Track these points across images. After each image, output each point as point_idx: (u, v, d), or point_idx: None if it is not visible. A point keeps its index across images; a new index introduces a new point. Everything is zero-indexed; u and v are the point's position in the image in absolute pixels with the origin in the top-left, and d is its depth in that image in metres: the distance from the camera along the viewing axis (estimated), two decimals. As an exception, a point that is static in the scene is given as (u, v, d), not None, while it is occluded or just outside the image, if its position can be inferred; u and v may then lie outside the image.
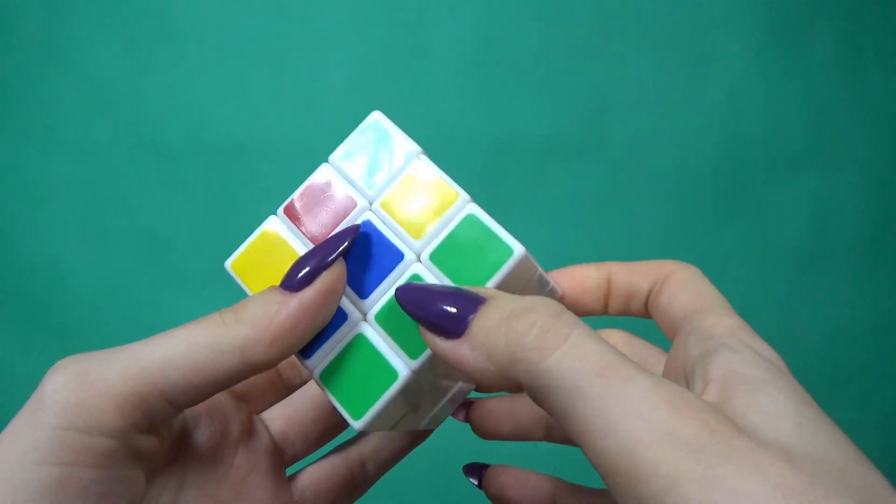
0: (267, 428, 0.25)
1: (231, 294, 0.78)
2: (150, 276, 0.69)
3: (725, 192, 0.73)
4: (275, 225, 0.24)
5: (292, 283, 0.20)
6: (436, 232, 0.22)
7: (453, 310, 0.18)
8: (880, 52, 0.75)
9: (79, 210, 0.69)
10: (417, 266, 0.21)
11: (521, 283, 0.22)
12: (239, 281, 0.23)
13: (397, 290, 0.20)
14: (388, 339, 0.21)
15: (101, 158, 0.69)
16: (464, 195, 0.23)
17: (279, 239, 0.24)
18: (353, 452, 0.26)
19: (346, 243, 0.21)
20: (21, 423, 0.18)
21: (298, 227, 0.24)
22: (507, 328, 0.17)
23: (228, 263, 0.24)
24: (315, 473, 0.25)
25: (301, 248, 0.23)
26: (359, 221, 0.23)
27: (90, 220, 0.69)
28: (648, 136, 0.72)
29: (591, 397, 0.15)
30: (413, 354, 0.21)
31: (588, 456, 0.15)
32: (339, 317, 0.21)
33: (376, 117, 0.26)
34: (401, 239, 0.22)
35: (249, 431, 0.24)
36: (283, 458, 0.25)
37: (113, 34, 0.69)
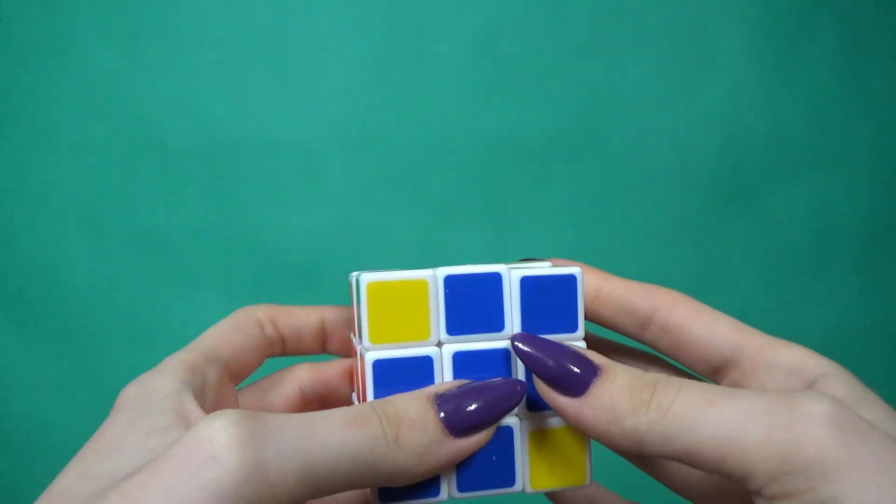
0: None
1: (231, 293, 0.78)
2: (150, 276, 0.69)
3: (725, 192, 0.73)
4: (430, 280, 0.22)
5: (455, 422, 0.20)
6: None
7: (577, 370, 0.20)
8: (880, 52, 0.75)
9: (79, 210, 0.69)
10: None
11: None
12: (363, 300, 0.22)
13: (514, 339, 0.21)
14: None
15: (101, 158, 0.69)
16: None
17: (423, 294, 0.22)
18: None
19: (516, 401, 0.21)
20: (195, 497, 0.16)
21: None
22: (633, 394, 0.19)
23: (365, 280, 0.22)
24: None
25: (436, 317, 0.22)
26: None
27: (90, 220, 0.69)
28: (648, 136, 0.72)
29: (710, 418, 0.18)
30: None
31: (724, 465, 0.18)
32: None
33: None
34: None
35: None
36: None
37: (113, 34, 0.69)
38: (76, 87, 0.69)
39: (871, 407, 0.20)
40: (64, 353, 0.69)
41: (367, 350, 0.22)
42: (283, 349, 0.26)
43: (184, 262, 0.69)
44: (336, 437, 0.18)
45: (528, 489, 0.22)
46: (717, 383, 0.24)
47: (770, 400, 0.18)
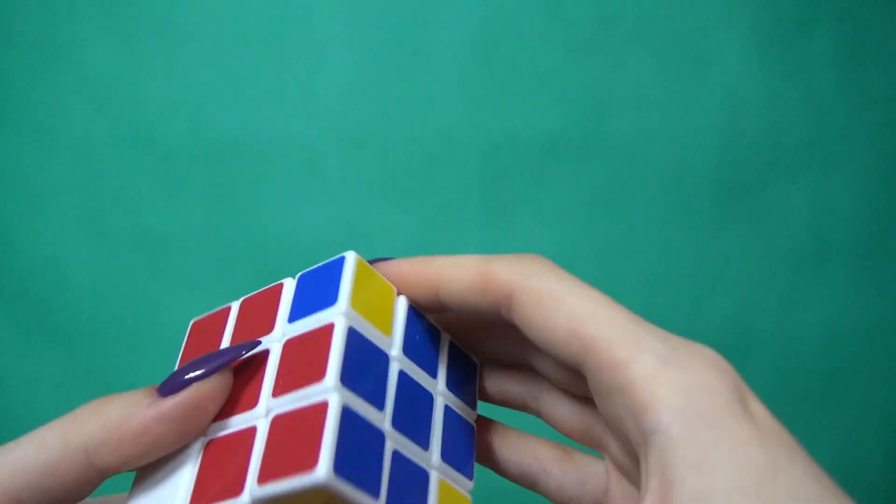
0: None
1: (231, 293, 0.78)
2: (150, 276, 0.69)
3: (725, 193, 0.73)
4: (235, 305, 0.24)
5: (164, 387, 0.19)
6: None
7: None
8: (880, 52, 0.75)
9: (79, 210, 0.69)
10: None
11: None
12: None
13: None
14: None
15: (101, 158, 0.69)
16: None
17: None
18: None
19: (231, 355, 0.20)
20: None
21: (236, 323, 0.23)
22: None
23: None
24: None
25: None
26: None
27: (90, 220, 0.69)
28: (648, 136, 0.72)
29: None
30: None
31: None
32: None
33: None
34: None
35: None
36: None
37: (113, 34, 0.69)
38: (76, 87, 0.69)
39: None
40: (64, 353, 0.69)
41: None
42: None
43: (184, 262, 0.69)
44: (29, 435, 0.18)
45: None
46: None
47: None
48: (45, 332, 0.69)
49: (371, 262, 0.23)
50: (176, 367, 0.21)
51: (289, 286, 0.23)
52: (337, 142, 0.70)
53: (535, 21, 0.71)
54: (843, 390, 0.72)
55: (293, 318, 0.21)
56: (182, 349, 0.24)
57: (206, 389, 0.19)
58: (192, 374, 0.19)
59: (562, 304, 0.19)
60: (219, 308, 0.24)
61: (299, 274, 0.23)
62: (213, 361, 0.19)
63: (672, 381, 0.16)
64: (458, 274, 0.21)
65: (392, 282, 0.23)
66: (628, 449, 0.20)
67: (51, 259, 0.69)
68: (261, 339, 0.21)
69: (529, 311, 0.20)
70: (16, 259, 0.69)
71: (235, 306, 0.24)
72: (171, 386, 0.19)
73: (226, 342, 0.23)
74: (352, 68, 0.70)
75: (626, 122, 0.72)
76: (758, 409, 0.17)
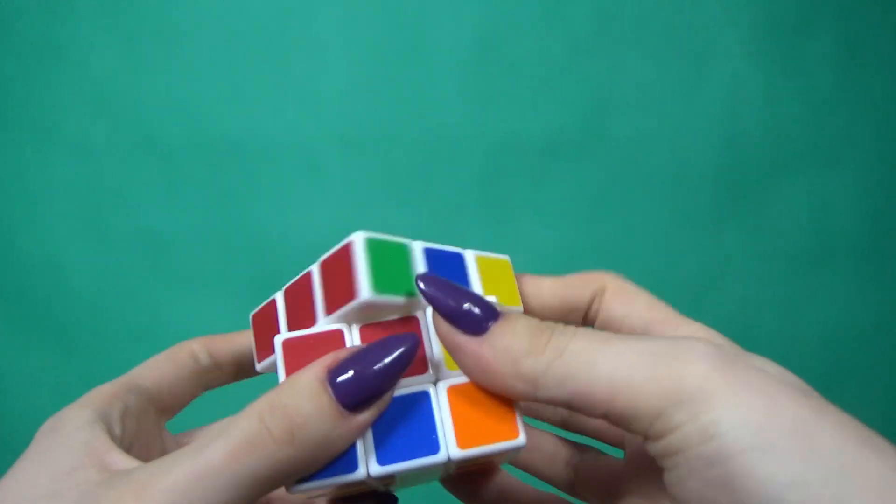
0: None
1: (231, 293, 0.78)
2: (150, 276, 0.69)
3: (725, 193, 0.73)
4: (280, 299, 0.24)
5: (349, 398, 0.19)
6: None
7: (478, 311, 0.20)
8: (880, 52, 0.75)
9: (79, 210, 0.69)
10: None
11: None
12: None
13: (419, 277, 0.20)
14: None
15: (101, 158, 0.69)
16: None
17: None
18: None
19: (407, 358, 0.20)
20: None
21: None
22: (531, 336, 0.19)
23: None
24: None
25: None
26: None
27: (90, 220, 0.69)
28: (648, 136, 0.72)
29: (601, 360, 0.19)
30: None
31: (613, 405, 0.18)
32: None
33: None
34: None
35: None
36: None
37: (113, 34, 0.69)
38: (76, 87, 0.69)
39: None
40: (64, 353, 0.69)
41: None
42: (222, 378, 0.26)
43: (184, 262, 0.69)
44: (226, 474, 0.17)
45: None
46: None
47: (658, 343, 0.19)
48: (45, 332, 0.69)
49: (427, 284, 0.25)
50: (328, 364, 0.20)
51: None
52: (337, 142, 0.70)
53: (535, 21, 0.71)
54: (843, 389, 0.72)
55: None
56: (254, 343, 0.24)
57: (390, 396, 0.20)
58: (380, 385, 0.19)
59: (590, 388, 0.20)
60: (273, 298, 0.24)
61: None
62: (392, 370, 0.19)
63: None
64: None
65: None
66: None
67: (51, 259, 0.69)
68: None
69: (560, 399, 0.20)
70: (16, 259, 0.69)
71: (315, 271, 0.23)
72: (362, 401, 0.19)
73: (319, 308, 0.22)
74: (352, 68, 0.70)
75: (626, 122, 0.72)
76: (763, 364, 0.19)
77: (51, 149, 0.69)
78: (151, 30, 0.69)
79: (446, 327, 0.20)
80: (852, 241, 0.74)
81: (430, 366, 0.21)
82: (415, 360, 0.21)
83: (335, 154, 0.70)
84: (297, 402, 0.18)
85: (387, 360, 0.19)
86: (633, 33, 0.72)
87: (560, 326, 0.20)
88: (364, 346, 0.20)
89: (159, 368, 0.24)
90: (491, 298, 0.21)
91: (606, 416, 0.19)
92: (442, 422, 0.21)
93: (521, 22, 0.71)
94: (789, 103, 0.74)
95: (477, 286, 0.24)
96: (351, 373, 0.19)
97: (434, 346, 0.22)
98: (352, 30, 0.70)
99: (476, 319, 0.20)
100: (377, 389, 0.19)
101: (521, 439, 0.21)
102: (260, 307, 0.25)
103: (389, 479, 0.21)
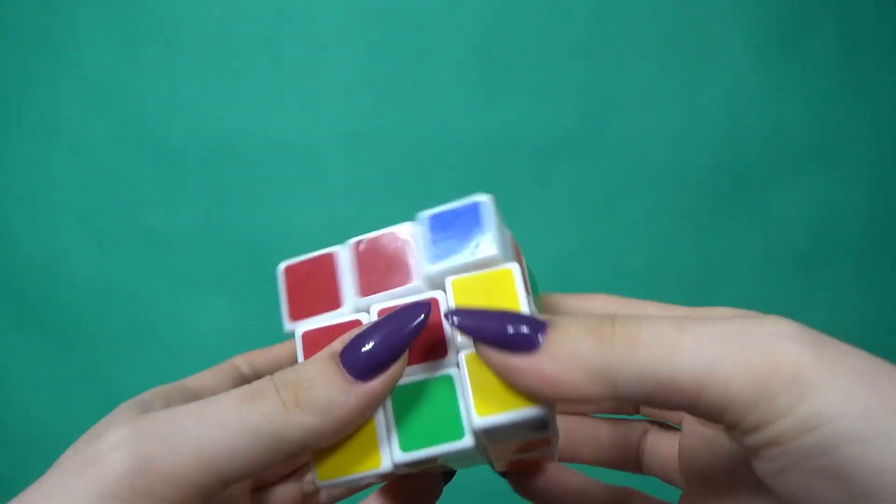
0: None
1: (231, 293, 0.78)
2: (150, 276, 0.69)
3: (725, 192, 0.73)
4: (339, 252, 0.23)
5: (356, 367, 0.19)
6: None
7: (524, 327, 0.18)
8: (880, 52, 0.75)
9: (79, 210, 0.69)
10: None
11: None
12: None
13: (450, 314, 0.19)
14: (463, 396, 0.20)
15: (101, 158, 0.69)
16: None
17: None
18: (308, 477, 0.26)
19: (417, 328, 0.19)
20: (81, 495, 0.17)
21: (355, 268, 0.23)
22: (592, 333, 0.18)
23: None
24: (274, 496, 0.26)
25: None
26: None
27: (90, 219, 0.69)
28: (648, 136, 0.72)
29: (685, 347, 0.17)
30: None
31: (702, 398, 0.17)
32: None
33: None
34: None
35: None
36: (252, 482, 0.26)
37: (113, 34, 0.69)
38: (76, 87, 0.69)
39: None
40: (64, 353, 0.69)
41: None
42: None
43: (184, 262, 0.69)
44: (230, 416, 0.18)
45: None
46: None
47: (740, 324, 0.17)
48: (45, 332, 0.69)
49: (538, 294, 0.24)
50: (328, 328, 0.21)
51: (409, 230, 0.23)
52: (337, 142, 0.70)
53: (535, 21, 0.71)
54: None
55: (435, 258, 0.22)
56: (286, 295, 0.24)
57: (404, 364, 0.19)
58: (389, 352, 0.19)
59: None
60: (317, 253, 0.24)
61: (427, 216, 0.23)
62: (402, 334, 0.19)
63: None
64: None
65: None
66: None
67: (51, 259, 0.69)
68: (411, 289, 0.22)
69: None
70: (16, 259, 0.69)
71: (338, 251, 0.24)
72: (369, 368, 0.19)
73: (348, 286, 0.22)
74: (352, 68, 0.70)
75: (626, 121, 0.72)
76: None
77: (51, 149, 0.69)
78: (151, 30, 0.69)
79: (496, 355, 0.19)
80: (852, 241, 0.74)
81: (449, 349, 0.20)
82: (435, 345, 0.20)
83: (335, 154, 0.70)
84: (305, 368, 0.19)
85: (393, 327, 0.19)
86: (633, 33, 0.72)
87: (618, 316, 0.18)
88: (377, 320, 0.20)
89: (204, 376, 0.24)
90: (524, 310, 0.19)
91: (692, 410, 0.17)
92: (464, 398, 0.20)
93: (521, 22, 0.71)
94: (789, 103, 0.74)
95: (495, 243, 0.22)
96: (359, 343, 0.19)
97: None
98: (352, 30, 0.70)
99: (526, 337, 0.18)
100: (384, 356, 0.19)
101: (537, 409, 0.19)
102: (297, 261, 0.24)
103: (424, 463, 0.20)
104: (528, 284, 0.22)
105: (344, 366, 0.19)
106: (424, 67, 0.70)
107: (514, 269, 0.21)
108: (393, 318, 0.19)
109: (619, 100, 0.72)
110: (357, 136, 0.70)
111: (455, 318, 0.19)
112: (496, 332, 0.19)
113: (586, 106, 0.72)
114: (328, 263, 0.23)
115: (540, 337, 0.18)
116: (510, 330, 0.18)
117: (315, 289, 0.23)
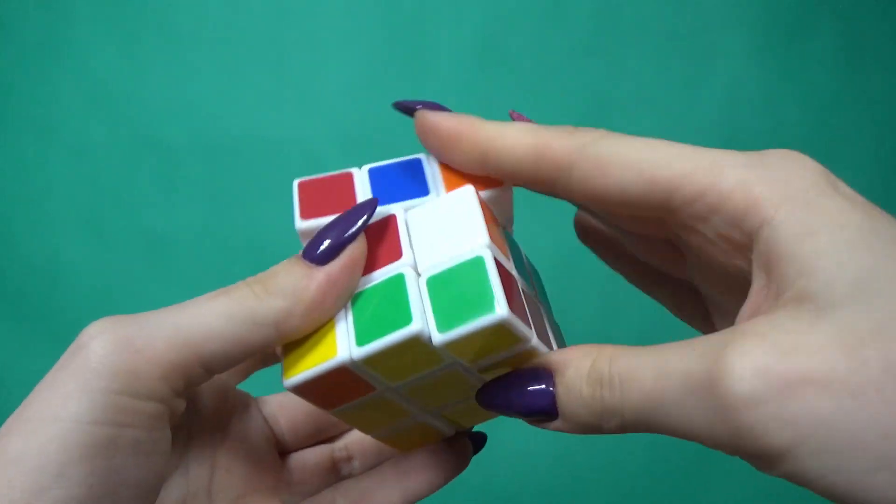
0: (259, 407, 0.26)
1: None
2: (150, 276, 0.69)
3: (725, 192, 0.73)
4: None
5: (314, 255, 0.20)
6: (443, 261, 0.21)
7: (538, 394, 0.20)
8: (880, 52, 0.75)
9: (79, 210, 0.69)
10: (411, 275, 0.21)
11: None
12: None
13: (481, 398, 0.21)
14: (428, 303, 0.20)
15: (101, 158, 0.69)
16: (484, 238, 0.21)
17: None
18: (341, 444, 0.27)
19: (365, 215, 0.21)
20: (70, 385, 0.19)
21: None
22: (586, 392, 0.19)
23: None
24: (302, 457, 0.26)
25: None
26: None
27: (90, 220, 0.69)
28: (648, 136, 0.72)
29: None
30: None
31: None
32: None
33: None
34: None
35: (244, 405, 0.25)
36: (273, 438, 0.26)
37: (113, 34, 0.69)
38: (75, 87, 0.69)
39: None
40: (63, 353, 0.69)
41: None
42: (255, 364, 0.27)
43: (184, 262, 0.69)
44: (204, 305, 0.20)
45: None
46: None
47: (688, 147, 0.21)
48: (45, 332, 0.69)
49: (418, 103, 0.26)
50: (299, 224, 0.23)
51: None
52: (336, 142, 0.70)
53: (535, 21, 0.71)
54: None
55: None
56: (298, 208, 0.25)
57: (359, 249, 0.21)
58: (341, 237, 0.20)
59: (628, 160, 0.20)
60: (332, 173, 0.25)
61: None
62: (354, 222, 0.21)
63: (764, 179, 0.19)
64: (510, 146, 0.22)
65: (437, 136, 0.25)
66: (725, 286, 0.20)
67: (51, 259, 0.69)
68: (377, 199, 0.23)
69: (597, 180, 0.20)
70: (16, 259, 0.69)
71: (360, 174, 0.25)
72: (326, 252, 0.20)
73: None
74: (352, 68, 0.70)
75: (626, 122, 0.72)
76: (847, 189, 0.18)
77: (51, 149, 0.69)
78: (151, 30, 0.69)
79: (532, 422, 0.20)
80: (852, 241, 0.74)
81: (403, 252, 0.21)
82: (391, 248, 0.21)
83: (335, 154, 0.70)
84: (271, 267, 0.21)
85: (345, 218, 0.21)
86: (633, 33, 0.72)
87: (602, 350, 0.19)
88: None
89: None
90: (538, 360, 0.20)
91: (643, 199, 0.19)
92: (418, 301, 0.20)
93: (521, 22, 0.71)
94: (789, 103, 0.74)
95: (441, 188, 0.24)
96: (318, 240, 0.21)
97: (412, 247, 0.22)
98: (352, 30, 0.70)
99: (543, 406, 0.20)
100: (339, 240, 0.20)
101: (499, 312, 0.19)
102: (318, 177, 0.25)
103: (393, 371, 0.20)
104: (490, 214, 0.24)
105: (305, 258, 0.21)
106: (424, 67, 0.70)
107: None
108: (345, 213, 0.21)
109: (619, 100, 0.72)
110: (357, 136, 0.70)
111: (482, 399, 0.21)
112: (523, 409, 0.20)
113: (586, 106, 0.72)
114: (346, 180, 0.24)
115: (552, 391, 0.20)
116: (531, 404, 0.20)
117: (330, 196, 0.24)
